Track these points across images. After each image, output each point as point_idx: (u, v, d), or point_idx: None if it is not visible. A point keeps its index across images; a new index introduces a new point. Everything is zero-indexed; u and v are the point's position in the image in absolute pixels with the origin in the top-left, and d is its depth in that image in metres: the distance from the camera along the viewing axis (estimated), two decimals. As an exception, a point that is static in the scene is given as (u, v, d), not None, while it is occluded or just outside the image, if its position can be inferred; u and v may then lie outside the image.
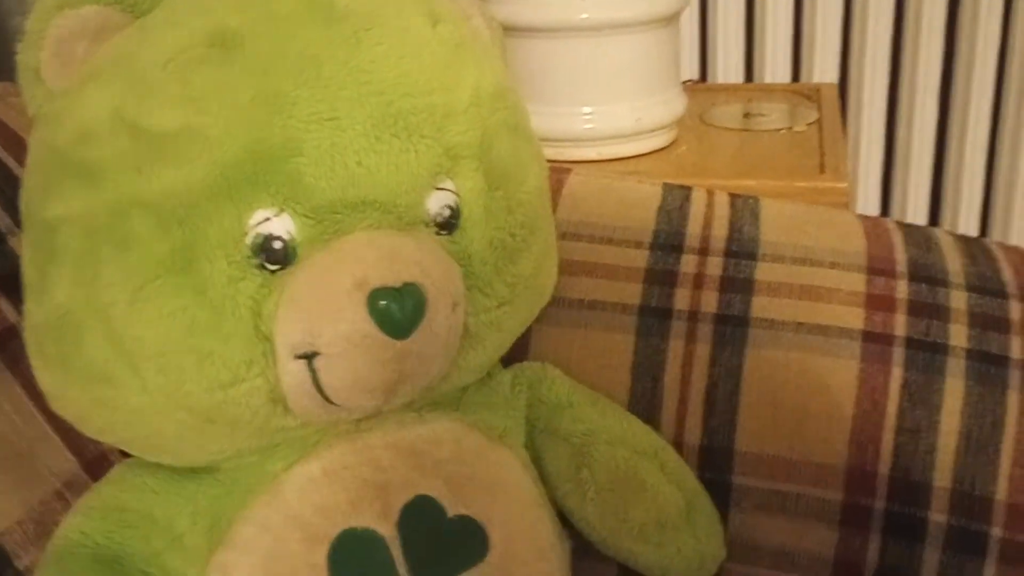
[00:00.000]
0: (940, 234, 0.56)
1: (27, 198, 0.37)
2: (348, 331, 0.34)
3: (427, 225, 0.37)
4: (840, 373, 0.49)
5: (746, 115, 1.01)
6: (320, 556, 0.37)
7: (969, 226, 1.28)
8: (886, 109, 1.28)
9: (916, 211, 1.29)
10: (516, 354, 0.46)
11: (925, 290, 0.51)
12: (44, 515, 0.43)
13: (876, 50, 1.25)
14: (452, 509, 0.40)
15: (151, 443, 0.37)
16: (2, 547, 0.41)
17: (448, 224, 0.38)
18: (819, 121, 0.94)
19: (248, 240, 0.34)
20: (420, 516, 0.39)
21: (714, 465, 0.49)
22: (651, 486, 0.44)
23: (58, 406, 0.38)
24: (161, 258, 0.34)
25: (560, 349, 0.50)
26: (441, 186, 0.38)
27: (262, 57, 0.35)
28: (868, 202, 1.31)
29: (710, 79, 1.31)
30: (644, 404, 0.50)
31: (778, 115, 0.99)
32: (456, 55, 0.39)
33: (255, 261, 0.35)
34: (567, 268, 0.50)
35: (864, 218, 0.57)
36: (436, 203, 0.37)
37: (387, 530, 0.38)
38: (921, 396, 0.48)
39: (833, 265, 0.52)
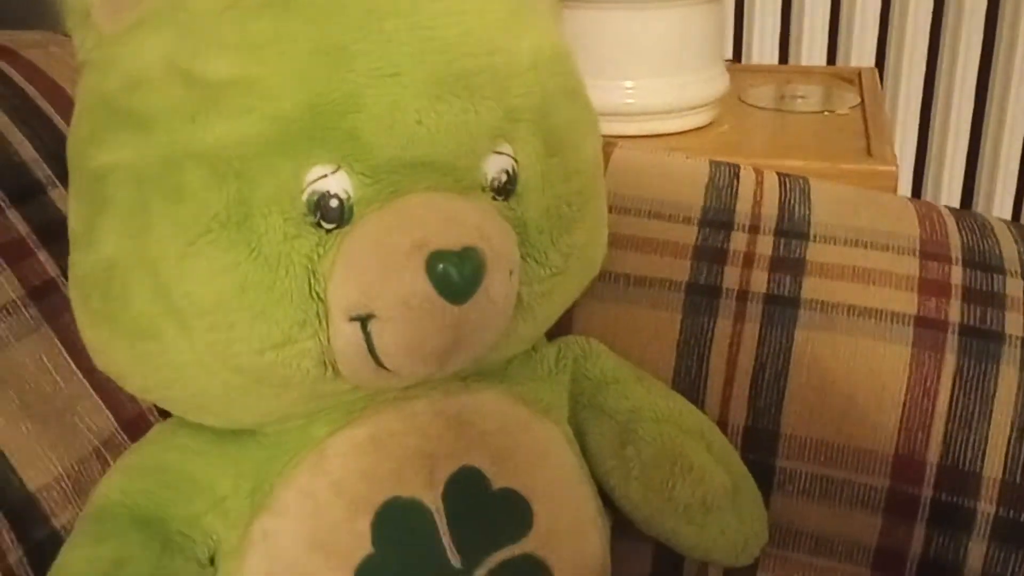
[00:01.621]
0: (994, 220, 0.55)
1: (75, 146, 0.36)
2: (406, 294, 0.33)
3: (484, 189, 0.36)
4: (891, 358, 0.47)
5: (782, 97, 0.99)
6: (364, 524, 0.37)
7: (1003, 213, 1.26)
8: (922, 94, 1.26)
9: (949, 197, 1.28)
10: (561, 328, 0.45)
11: (980, 276, 0.50)
12: (82, 473, 0.42)
13: (915, 34, 1.23)
14: (497, 482, 0.39)
15: (196, 402, 0.36)
16: (40, 504, 0.41)
17: (505, 189, 0.37)
18: (862, 105, 0.92)
19: (304, 197, 0.33)
20: (465, 487, 0.38)
21: (758, 447, 0.48)
22: (698, 466, 0.43)
23: (102, 362, 0.37)
24: (215, 212, 0.33)
25: (605, 324, 0.49)
26: (499, 150, 0.37)
27: (322, 8, 0.33)
28: (901, 186, 1.30)
29: (744, 60, 1.29)
30: (689, 383, 0.49)
31: (817, 98, 0.98)
32: (516, 16, 0.38)
33: (311, 219, 0.34)
34: (613, 242, 0.49)
35: (915, 202, 0.56)
36: (494, 167, 0.36)
37: (432, 500, 0.38)
38: (974, 384, 0.47)
39: (886, 248, 0.51)
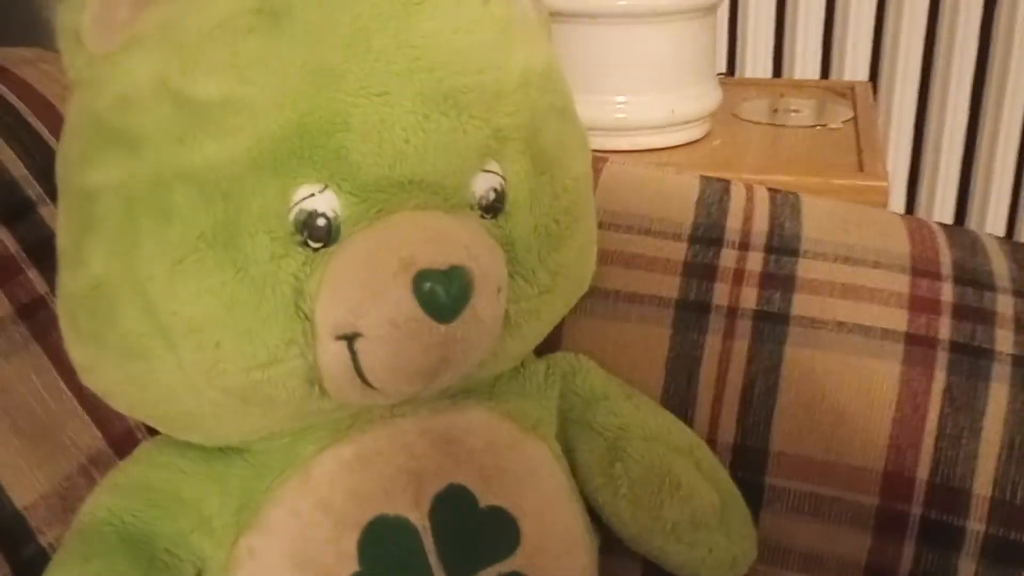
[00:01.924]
0: (985, 237, 0.55)
1: (64, 165, 0.36)
2: (392, 313, 0.33)
3: (472, 208, 0.36)
4: (881, 375, 0.48)
5: (776, 111, 0.99)
6: (350, 543, 0.37)
7: (997, 228, 1.26)
8: (916, 108, 1.27)
9: (943, 212, 1.28)
10: (549, 344, 0.45)
11: (971, 293, 0.50)
12: (69, 491, 0.42)
13: (909, 48, 1.23)
14: (484, 500, 0.39)
15: (183, 421, 0.36)
16: (26, 522, 0.40)
17: (493, 208, 0.37)
18: (855, 119, 0.92)
19: (291, 216, 0.33)
20: (452, 506, 0.38)
21: (748, 464, 0.48)
22: (686, 484, 0.43)
23: (89, 380, 0.37)
24: (202, 231, 0.33)
25: (594, 341, 0.49)
26: (488, 168, 0.37)
27: (311, 27, 0.33)
28: (893, 201, 1.30)
29: (737, 74, 1.29)
30: (678, 400, 0.49)
31: (810, 111, 0.98)
32: (506, 34, 0.38)
33: (298, 238, 0.34)
34: (603, 258, 0.49)
35: (906, 218, 0.56)
36: (482, 185, 0.37)
37: (419, 519, 0.38)
38: (964, 401, 0.47)
39: (876, 264, 0.51)
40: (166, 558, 0.37)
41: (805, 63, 1.28)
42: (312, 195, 0.34)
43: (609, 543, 0.44)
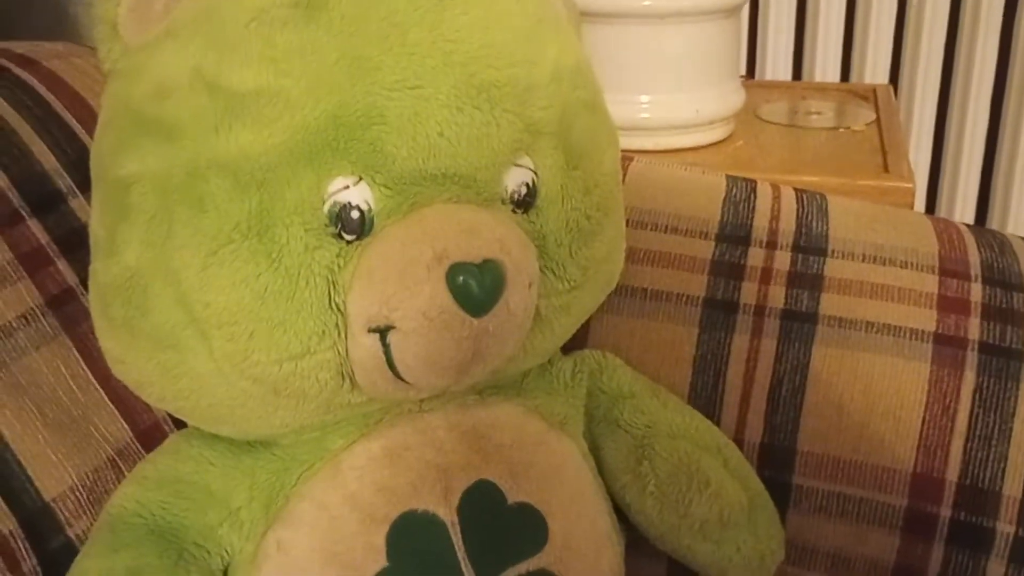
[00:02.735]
0: (1012, 238, 0.55)
1: (99, 155, 0.36)
2: (426, 306, 0.33)
3: (504, 202, 0.36)
4: (910, 375, 0.47)
5: (797, 112, 0.99)
6: (379, 537, 0.37)
7: (1018, 230, 1.26)
8: (936, 110, 1.26)
9: (964, 213, 1.27)
10: (576, 342, 0.45)
11: (1000, 294, 0.49)
12: (96, 483, 0.42)
13: (930, 51, 1.23)
14: (512, 496, 0.39)
15: (213, 413, 0.36)
16: (55, 514, 0.41)
17: (525, 202, 0.37)
18: (877, 121, 0.92)
19: (325, 208, 0.33)
20: (481, 501, 0.38)
21: (775, 464, 0.48)
22: (714, 482, 0.43)
23: (120, 370, 0.37)
24: (237, 222, 0.33)
25: (621, 339, 0.49)
26: (520, 163, 0.36)
27: (346, 20, 0.33)
28: (915, 202, 1.29)
29: (758, 76, 1.29)
30: (705, 399, 0.48)
31: (832, 114, 0.97)
32: (538, 28, 0.38)
33: (332, 230, 0.34)
34: (630, 256, 0.49)
35: (934, 219, 0.56)
36: (514, 180, 0.36)
37: (447, 514, 0.37)
38: (994, 402, 0.47)
39: (905, 265, 0.51)
40: (194, 550, 0.37)
41: (825, 66, 1.27)
42: (346, 187, 0.34)
43: (636, 542, 0.44)
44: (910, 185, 0.74)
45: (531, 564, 0.38)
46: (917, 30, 1.23)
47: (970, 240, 0.53)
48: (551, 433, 0.42)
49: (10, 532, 0.39)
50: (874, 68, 1.26)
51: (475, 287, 0.33)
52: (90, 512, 0.41)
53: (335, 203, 0.33)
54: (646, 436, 0.44)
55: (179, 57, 0.34)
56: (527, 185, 0.37)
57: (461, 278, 0.33)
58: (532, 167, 0.37)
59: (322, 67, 0.33)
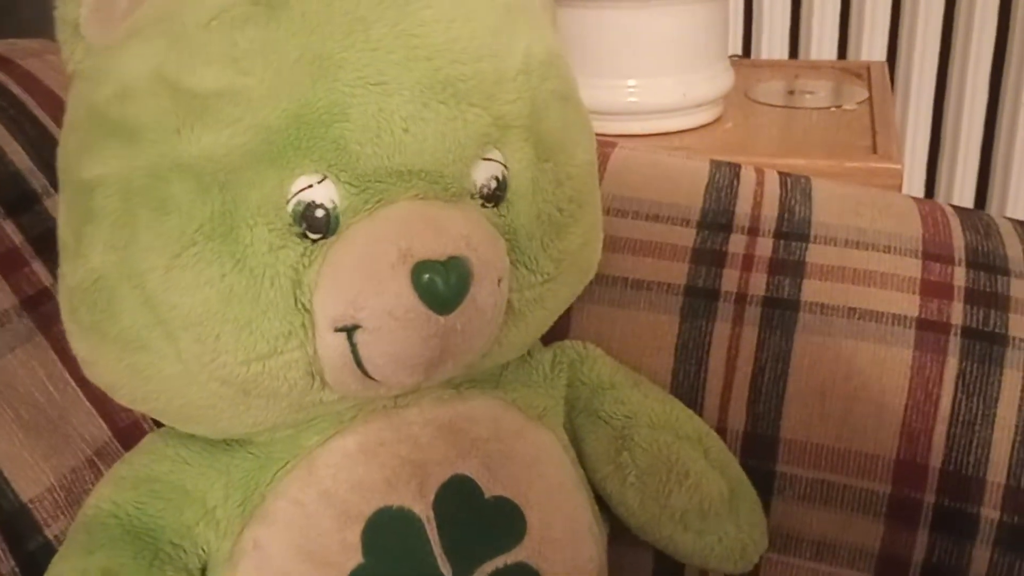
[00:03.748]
0: (999, 220, 0.54)
1: (64, 157, 0.36)
2: (391, 305, 0.32)
3: (473, 197, 0.36)
4: (892, 361, 0.47)
5: (791, 92, 0.98)
6: (354, 534, 0.37)
7: (1017, 211, 1.25)
8: (934, 89, 1.25)
9: (962, 195, 1.27)
10: (557, 332, 0.45)
11: (984, 278, 0.49)
12: (75, 483, 0.42)
13: (927, 27, 1.22)
14: (489, 490, 0.39)
15: (185, 413, 0.36)
16: (32, 515, 0.41)
17: (494, 196, 0.37)
18: (869, 100, 0.91)
19: (290, 207, 0.33)
20: (457, 496, 0.38)
21: (758, 452, 0.48)
22: (694, 472, 0.43)
23: (91, 373, 0.37)
24: (200, 224, 0.33)
25: (602, 328, 0.49)
26: (489, 156, 0.36)
27: (308, 17, 0.33)
28: (912, 184, 1.29)
29: (754, 55, 1.28)
30: (687, 388, 0.48)
31: (825, 93, 0.97)
32: (506, 19, 0.37)
33: (296, 229, 0.33)
34: (611, 245, 0.49)
35: (919, 201, 0.55)
36: (483, 174, 0.36)
37: (423, 509, 0.37)
38: (977, 387, 0.46)
39: (888, 249, 0.50)
40: (170, 550, 0.37)
41: (821, 44, 1.26)
42: (310, 186, 0.33)
43: (620, 533, 0.44)
44: (898, 166, 0.73)
45: (509, 558, 0.38)
46: (914, 6, 1.22)
47: (955, 223, 0.53)
48: (529, 425, 0.42)
49: (-13, 534, 0.39)
50: (871, 45, 1.25)
51: (440, 285, 0.33)
52: (68, 512, 0.41)
53: (299, 202, 0.33)
54: (626, 427, 0.43)
55: (141, 58, 0.33)
56: (496, 179, 0.37)
57: (426, 276, 0.32)
58: (502, 160, 0.37)
59: (284, 65, 0.33)
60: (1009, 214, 1.24)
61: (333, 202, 0.34)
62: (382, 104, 0.33)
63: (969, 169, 1.26)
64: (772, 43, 1.28)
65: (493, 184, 0.36)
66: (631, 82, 0.81)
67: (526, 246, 0.38)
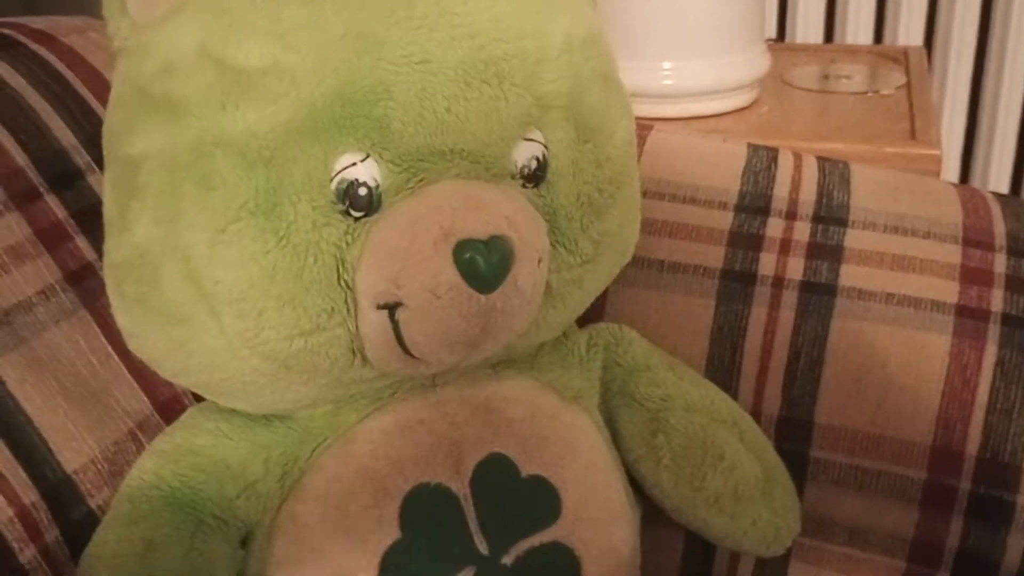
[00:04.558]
0: (1041, 207, 0.54)
1: (109, 133, 0.36)
2: (433, 283, 0.33)
3: (514, 177, 0.36)
4: (930, 348, 0.47)
5: (826, 76, 0.97)
6: (391, 510, 0.37)
7: (1055, 200, 1.23)
8: (972, 74, 1.23)
9: (999, 181, 1.25)
10: (592, 314, 0.45)
11: (1025, 265, 0.49)
12: (117, 455, 0.43)
13: (966, 12, 1.20)
14: (525, 469, 0.39)
15: (226, 388, 0.37)
16: (76, 485, 0.41)
17: (535, 177, 0.37)
18: (907, 85, 0.90)
19: (333, 185, 0.33)
20: (493, 474, 0.38)
21: (792, 437, 0.47)
22: (729, 455, 0.43)
23: (135, 346, 0.37)
24: (244, 200, 0.33)
25: (637, 311, 0.49)
26: (529, 137, 0.36)
27: None
28: (948, 170, 1.27)
29: (788, 38, 1.27)
30: (722, 371, 0.48)
31: (861, 77, 0.96)
32: (548, 0, 0.37)
33: (339, 207, 0.34)
34: (647, 227, 0.49)
35: (959, 187, 0.54)
36: (524, 154, 0.36)
37: (460, 487, 0.38)
38: (1016, 375, 0.46)
39: (927, 235, 0.50)
40: (212, 522, 0.38)
41: (857, 28, 1.25)
42: (354, 164, 0.33)
43: (651, 514, 0.44)
44: (937, 152, 0.72)
45: (544, 536, 0.38)
46: (952, -10, 1.20)
47: (996, 209, 0.52)
48: (565, 407, 0.42)
49: (32, 503, 0.40)
50: (908, 30, 1.23)
51: (482, 264, 0.33)
52: (111, 484, 0.42)
53: (342, 180, 0.33)
54: (661, 409, 0.44)
55: (186, 34, 0.34)
56: (537, 159, 0.37)
57: (468, 255, 0.33)
58: (542, 141, 0.37)
59: (328, 42, 0.33)
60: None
61: (376, 180, 0.34)
62: (425, 83, 0.33)
63: (1006, 155, 1.24)
64: (807, 27, 1.26)
65: (534, 164, 0.36)
66: (666, 65, 0.80)
67: (565, 227, 0.38)
